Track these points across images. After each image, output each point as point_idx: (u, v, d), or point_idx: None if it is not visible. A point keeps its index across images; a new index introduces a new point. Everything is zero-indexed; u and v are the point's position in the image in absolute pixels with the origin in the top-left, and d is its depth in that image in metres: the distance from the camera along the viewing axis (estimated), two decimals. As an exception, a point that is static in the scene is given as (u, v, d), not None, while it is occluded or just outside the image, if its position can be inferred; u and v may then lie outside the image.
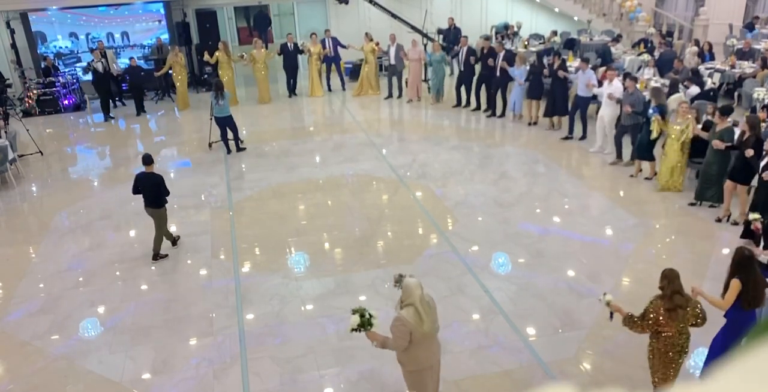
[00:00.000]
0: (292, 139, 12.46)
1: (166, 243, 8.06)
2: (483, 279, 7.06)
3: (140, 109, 14.57)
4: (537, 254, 7.62)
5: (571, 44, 16.01)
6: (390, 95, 15.08)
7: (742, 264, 4.96)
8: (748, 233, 7.27)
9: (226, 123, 11.28)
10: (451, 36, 16.11)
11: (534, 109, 12.52)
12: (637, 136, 9.71)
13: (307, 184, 10.12)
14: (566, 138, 11.70)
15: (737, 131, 8.23)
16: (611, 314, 5.05)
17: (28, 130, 12.11)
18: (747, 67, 13.20)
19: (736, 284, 4.90)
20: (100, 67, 13.84)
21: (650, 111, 9.15)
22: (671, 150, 8.91)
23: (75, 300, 7.04)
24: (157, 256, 7.85)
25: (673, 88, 10.83)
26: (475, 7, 18.83)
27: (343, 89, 15.89)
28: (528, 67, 12.41)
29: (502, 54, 12.81)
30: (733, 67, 13.24)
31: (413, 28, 16.36)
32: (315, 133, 13.06)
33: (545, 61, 12.53)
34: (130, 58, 14.56)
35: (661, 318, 4.66)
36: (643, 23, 16.80)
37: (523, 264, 7.42)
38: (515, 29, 17.34)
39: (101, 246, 8.30)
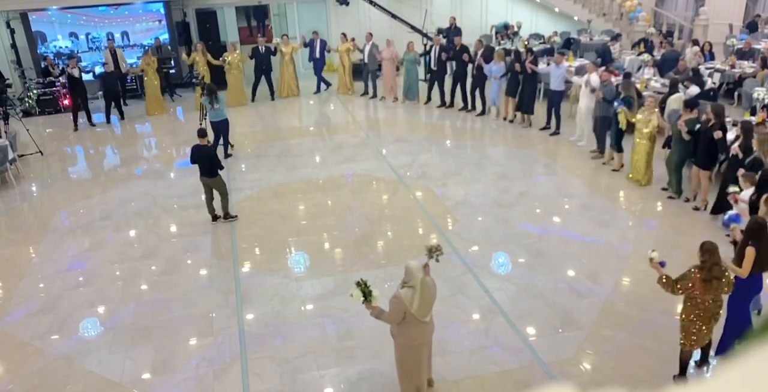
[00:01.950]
0: (292, 139, 12.46)
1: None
2: (483, 279, 7.06)
3: (120, 114, 14.11)
4: (537, 254, 7.62)
5: (569, 44, 16.05)
6: (366, 92, 15.20)
7: (754, 232, 5.37)
8: (717, 210, 8.06)
9: (219, 127, 10.96)
10: (451, 35, 16.11)
11: (511, 106, 12.77)
12: (606, 128, 10.22)
13: (307, 184, 10.12)
14: (544, 128, 12.06)
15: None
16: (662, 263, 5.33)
17: (28, 130, 12.11)
18: (747, 66, 13.20)
19: (751, 251, 5.28)
20: (76, 72, 13.42)
21: (615, 103, 9.62)
22: (638, 143, 9.27)
23: (75, 300, 7.03)
24: (227, 216, 8.72)
25: (673, 88, 10.82)
26: (475, 7, 18.81)
27: (318, 91, 15.74)
28: (504, 64, 12.59)
29: (480, 51, 12.99)
30: (733, 66, 13.24)
31: (413, 28, 16.35)
32: (313, 133, 13.07)
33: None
34: (104, 64, 14.14)
35: (695, 286, 4.94)
36: (643, 23, 16.79)
37: (523, 264, 7.42)
38: (515, 29, 17.33)
39: (101, 246, 8.30)
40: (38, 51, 15.77)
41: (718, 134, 8.14)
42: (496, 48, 14.34)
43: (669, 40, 15.29)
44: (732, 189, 6.96)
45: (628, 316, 6.31)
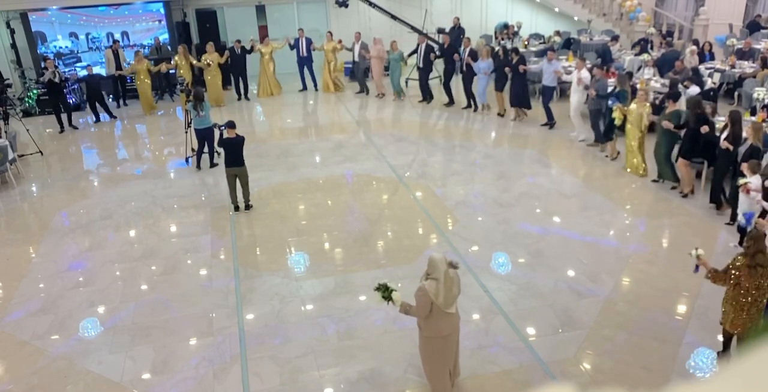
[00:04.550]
0: (291, 139, 12.46)
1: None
2: (483, 279, 7.06)
3: (109, 114, 14.02)
4: (537, 254, 7.62)
5: (569, 44, 16.09)
6: (361, 91, 15.47)
7: None
8: (715, 200, 8.47)
9: (205, 135, 10.52)
10: (453, 35, 16.10)
11: (501, 101, 13.15)
12: (599, 120, 10.63)
13: (307, 184, 10.12)
14: (545, 124, 12.39)
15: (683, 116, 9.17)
16: (696, 267, 5.45)
17: (28, 130, 12.11)
18: (747, 66, 13.20)
19: None
20: (56, 77, 13.22)
21: (610, 101, 10.01)
22: (630, 134, 9.63)
23: (75, 300, 7.03)
24: (248, 207, 9.12)
25: (673, 88, 10.82)
26: (475, 7, 18.81)
27: (315, 89, 15.93)
28: (492, 61, 12.86)
29: (468, 49, 13.30)
30: (733, 66, 13.24)
31: (413, 28, 16.34)
32: (311, 132, 13.07)
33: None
34: (87, 66, 13.91)
35: (741, 274, 5.07)
36: (643, 23, 16.79)
37: (523, 264, 7.42)
38: (515, 29, 17.34)
39: (101, 246, 8.30)
40: (38, 51, 15.77)
41: (704, 129, 8.45)
42: (497, 48, 14.37)
43: (669, 40, 15.29)
44: (741, 180, 7.07)
45: (628, 316, 6.31)
